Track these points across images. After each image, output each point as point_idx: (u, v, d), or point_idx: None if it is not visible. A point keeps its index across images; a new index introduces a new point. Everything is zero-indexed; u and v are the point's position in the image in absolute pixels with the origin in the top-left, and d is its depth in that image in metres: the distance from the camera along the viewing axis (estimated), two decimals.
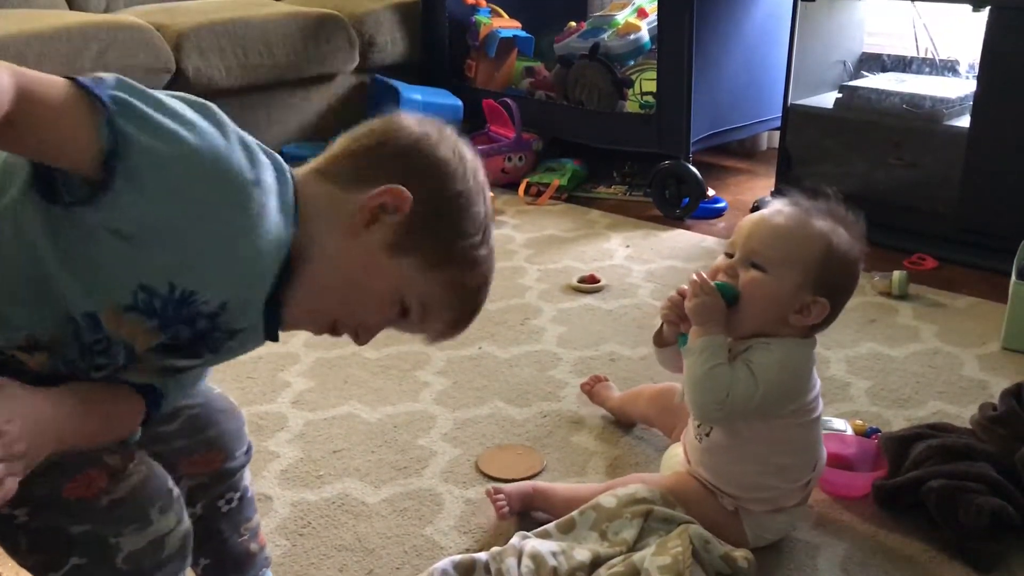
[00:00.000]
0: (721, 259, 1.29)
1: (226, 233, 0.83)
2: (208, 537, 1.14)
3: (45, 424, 0.82)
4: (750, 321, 1.25)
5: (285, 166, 0.90)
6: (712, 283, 1.25)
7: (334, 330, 0.96)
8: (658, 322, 1.36)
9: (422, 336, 1.01)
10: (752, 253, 1.24)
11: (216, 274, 0.86)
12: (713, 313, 1.24)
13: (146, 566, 0.91)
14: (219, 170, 0.81)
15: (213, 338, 0.92)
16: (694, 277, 1.26)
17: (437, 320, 0.98)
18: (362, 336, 0.96)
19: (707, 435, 1.31)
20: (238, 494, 1.15)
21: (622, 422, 1.65)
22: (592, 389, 1.71)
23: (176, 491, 0.95)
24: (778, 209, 1.27)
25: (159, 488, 0.92)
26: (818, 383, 1.30)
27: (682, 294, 1.28)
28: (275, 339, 0.97)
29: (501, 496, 1.37)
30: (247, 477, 1.16)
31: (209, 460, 1.09)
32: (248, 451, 1.15)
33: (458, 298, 0.98)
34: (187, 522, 0.95)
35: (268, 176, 0.86)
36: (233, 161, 0.82)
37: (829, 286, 1.24)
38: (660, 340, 1.37)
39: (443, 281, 0.95)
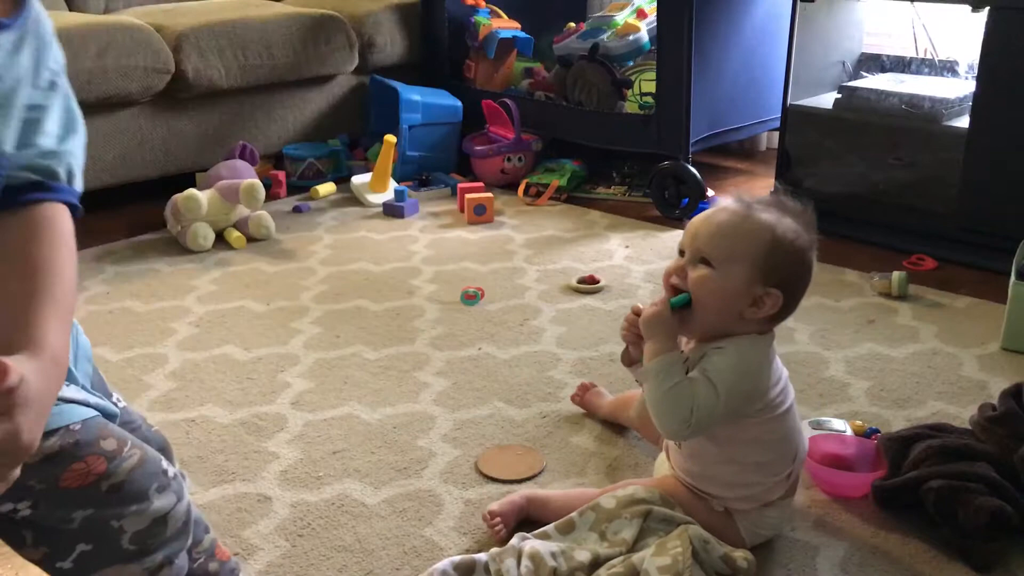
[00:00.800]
0: (675, 259, 1.29)
1: None
2: None
3: (46, 402, 0.79)
4: (706, 320, 1.25)
5: None
6: (663, 296, 1.26)
7: None
8: (611, 339, 1.36)
9: None
10: (698, 252, 1.24)
11: None
12: (660, 324, 1.24)
13: (151, 545, 0.93)
14: None
15: None
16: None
17: None
18: None
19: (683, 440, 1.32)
20: None
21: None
22: (583, 399, 1.70)
23: (172, 471, 0.97)
24: (722, 207, 1.27)
25: (154, 469, 0.94)
26: (783, 375, 1.29)
27: (636, 312, 1.29)
28: None
29: (497, 520, 1.36)
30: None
31: None
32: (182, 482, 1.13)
33: None
34: (187, 499, 0.97)
35: None
36: None
37: (780, 276, 1.23)
38: (628, 359, 1.36)
39: None
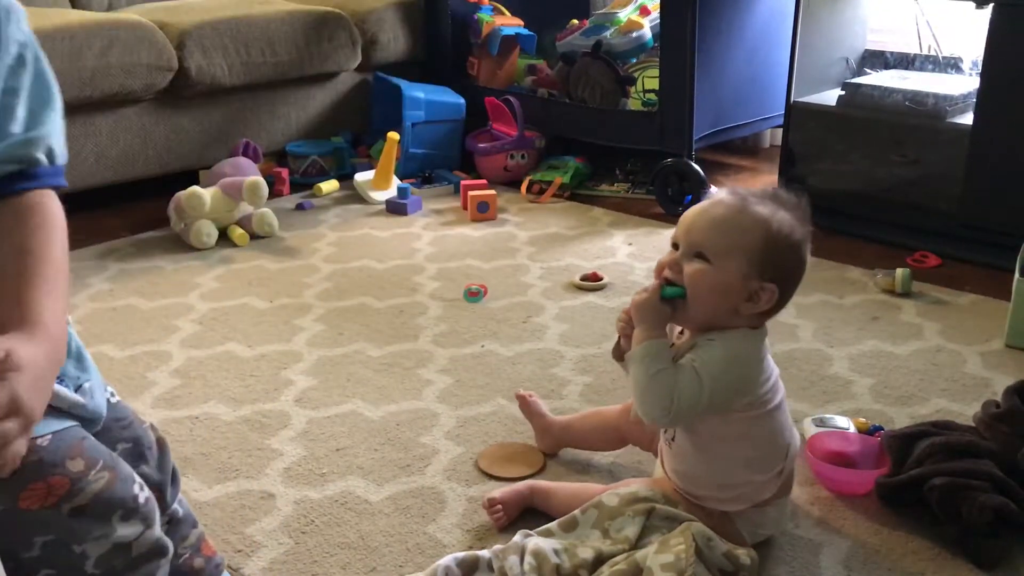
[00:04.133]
0: (669, 252, 1.28)
1: None
2: None
3: (44, 374, 0.80)
4: (701, 313, 1.24)
5: None
6: (655, 283, 1.25)
7: None
8: (615, 337, 1.34)
9: None
10: (694, 245, 1.23)
11: None
12: (650, 311, 1.24)
13: (117, 567, 0.89)
14: None
15: None
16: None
17: None
18: None
19: (672, 439, 1.31)
20: (165, 518, 1.09)
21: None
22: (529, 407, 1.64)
23: (143, 496, 0.92)
24: (717, 200, 1.26)
25: (123, 494, 0.90)
26: (774, 372, 1.28)
27: None
28: None
29: (498, 508, 1.37)
30: (176, 498, 1.12)
31: None
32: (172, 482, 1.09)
33: None
34: (157, 528, 0.93)
35: None
36: None
37: (776, 270, 1.22)
38: (619, 353, 1.35)
39: None
